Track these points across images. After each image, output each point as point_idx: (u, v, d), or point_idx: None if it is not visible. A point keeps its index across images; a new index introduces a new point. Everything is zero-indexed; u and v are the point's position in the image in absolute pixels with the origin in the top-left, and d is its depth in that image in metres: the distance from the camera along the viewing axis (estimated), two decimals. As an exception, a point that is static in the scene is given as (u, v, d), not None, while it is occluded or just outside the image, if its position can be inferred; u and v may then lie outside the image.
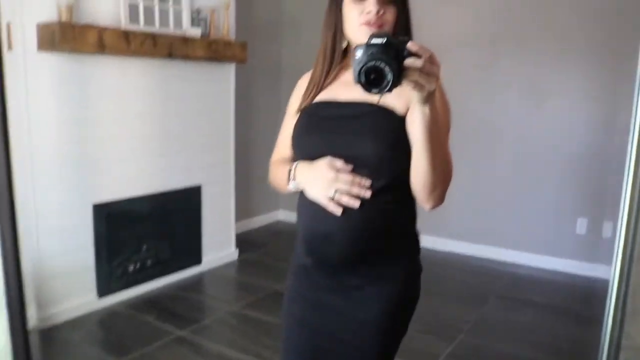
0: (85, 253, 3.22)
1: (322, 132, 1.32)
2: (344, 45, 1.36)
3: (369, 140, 1.24)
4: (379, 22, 1.25)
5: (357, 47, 1.05)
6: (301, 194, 1.35)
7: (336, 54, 1.36)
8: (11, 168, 0.78)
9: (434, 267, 4.31)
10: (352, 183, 1.23)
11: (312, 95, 1.38)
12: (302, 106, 1.39)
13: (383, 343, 1.35)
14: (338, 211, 1.24)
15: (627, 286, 1.01)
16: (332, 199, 1.24)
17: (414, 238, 1.41)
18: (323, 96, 1.37)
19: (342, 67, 1.39)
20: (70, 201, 3.11)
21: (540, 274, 4.22)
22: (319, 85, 1.38)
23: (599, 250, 4.12)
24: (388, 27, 1.27)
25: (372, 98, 1.22)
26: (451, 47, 4.42)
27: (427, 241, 4.56)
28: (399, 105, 1.25)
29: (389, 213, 1.30)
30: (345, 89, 1.32)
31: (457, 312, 3.48)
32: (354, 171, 1.24)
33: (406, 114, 1.25)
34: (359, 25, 1.27)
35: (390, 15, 1.27)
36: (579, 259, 4.19)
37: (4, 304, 0.82)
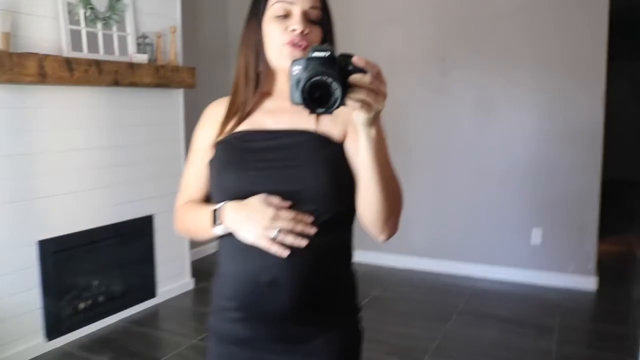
0: (32, 293, 3.04)
1: (250, 166, 1.15)
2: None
3: (308, 172, 1.12)
4: (303, 43, 1.14)
5: (294, 61, 0.95)
6: (225, 240, 1.18)
7: (260, 77, 1.22)
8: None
9: (395, 285, 4.30)
10: (295, 220, 1.08)
11: (233, 125, 1.22)
12: (221, 138, 1.22)
13: None
14: (284, 253, 1.08)
15: None
16: (275, 239, 1.08)
17: (354, 277, 1.27)
18: (246, 126, 1.21)
19: (263, 93, 1.24)
20: (12, 239, 2.93)
21: (500, 286, 4.25)
22: (242, 113, 1.22)
23: (553, 259, 4.19)
24: None
25: (304, 125, 1.15)
26: (401, 64, 4.47)
27: (386, 259, 4.61)
28: (336, 131, 1.16)
29: (335, 251, 1.19)
30: (272, 116, 1.21)
31: (421, 332, 3.45)
32: (295, 208, 1.10)
33: (344, 140, 1.15)
34: (282, 45, 1.15)
35: (315, 36, 1.17)
36: (535, 268, 4.25)
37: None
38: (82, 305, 3.33)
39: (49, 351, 3.11)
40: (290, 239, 1.08)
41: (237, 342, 1.19)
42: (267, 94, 1.24)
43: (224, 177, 1.17)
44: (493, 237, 4.38)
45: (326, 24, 1.19)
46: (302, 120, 1.14)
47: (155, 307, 3.79)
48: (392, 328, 3.49)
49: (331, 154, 1.13)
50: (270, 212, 1.08)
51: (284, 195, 1.10)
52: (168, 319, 3.74)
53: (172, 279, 3.99)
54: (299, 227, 1.08)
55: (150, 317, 3.67)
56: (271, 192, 1.10)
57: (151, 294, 3.81)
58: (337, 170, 1.13)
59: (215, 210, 1.16)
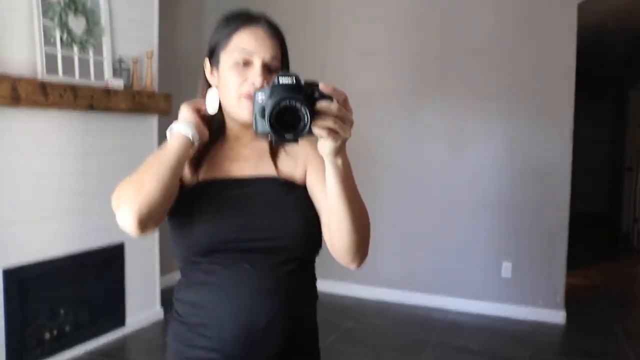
0: (-5, 323, 2.93)
1: (225, 216, 1.12)
2: (214, 110, 1.19)
3: (283, 216, 1.12)
4: None
5: (257, 91, 0.95)
6: (203, 274, 1.13)
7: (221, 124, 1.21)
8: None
9: (366, 317, 4.28)
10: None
11: (199, 172, 1.18)
12: (188, 185, 1.18)
13: None
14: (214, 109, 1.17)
15: None
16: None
17: (316, 320, 1.26)
18: (212, 174, 1.18)
19: (220, 141, 1.22)
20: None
21: (471, 318, 4.27)
22: (202, 159, 1.19)
23: (523, 292, 4.24)
24: None
25: (267, 171, 1.15)
26: (374, 98, 4.52)
27: (357, 290, 4.59)
28: (297, 173, 1.17)
29: (307, 289, 1.21)
30: (234, 164, 1.18)
31: (394, 364, 3.44)
32: (274, 253, 1.10)
33: (305, 179, 1.16)
34: (239, 98, 1.12)
35: None
36: (506, 302, 4.28)
37: None
38: (47, 336, 3.20)
39: (11, 384, 2.99)
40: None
41: None
42: (223, 139, 1.22)
43: (194, 229, 1.11)
44: (464, 269, 4.41)
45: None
46: (264, 165, 1.16)
47: (124, 337, 3.68)
48: (365, 361, 3.47)
49: (298, 198, 1.14)
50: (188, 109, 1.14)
51: (265, 242, 1.10)
52: (136, 350, 3.63)
53: (142, 308, 3.89)
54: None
55: (118, 348, 3.55)
56: (244, 241, 1.09)
57: (120, 323, 3.70)
58: (304, 213, 1.13)
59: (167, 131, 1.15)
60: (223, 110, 1.19)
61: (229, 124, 1.20)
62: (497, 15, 4.25)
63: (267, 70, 1.12)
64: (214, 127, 1.20)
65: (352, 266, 1.11)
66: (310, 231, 1.13)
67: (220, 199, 1.13)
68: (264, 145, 1.19)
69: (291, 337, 1.12)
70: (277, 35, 1.17)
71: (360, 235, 1.05)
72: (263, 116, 0.89)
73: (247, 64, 1.12)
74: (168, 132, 1.14)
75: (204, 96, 1.20)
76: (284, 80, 0.91)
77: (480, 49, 4.28)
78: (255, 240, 1.10)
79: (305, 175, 1.16)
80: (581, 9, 4.02)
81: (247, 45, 1.13)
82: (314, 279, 1.23)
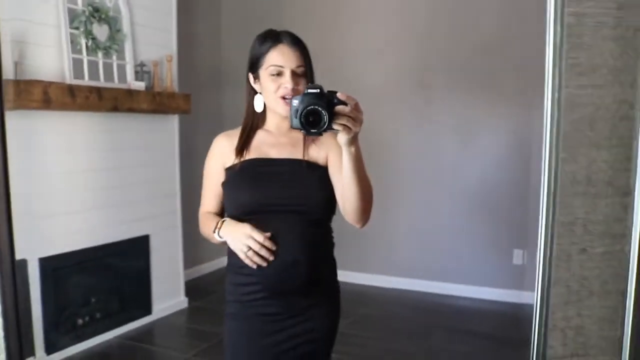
0: (33, 308, 3.17)
1: (262, 186, 1.53)
2: (260, 109, 1.61)
3: (305, 191, 1.53)
4: (293, 94, 1.49)
5: (292, 97, 1.33)
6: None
7: (260, 117, 1.64)
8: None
9: (380, 304, 4.45)
10: (262, 244, 1.47)
11: (244, 153, 1.59)
12: (234, 164, 1.58)
13: (329, 349, 1.66)
14: (253, 265, 1.49)
15: (547, 306, 1.19)
16: (245, 254, 1.49)
17: (335, 262, 1.68)
18: (254, 155, 1.59)
19: (264, 129, 1.64)
20: (17, 255, 3.07)
21: (482, 304, 4.41)
22: (249, 145, 1.60)
23: (534, 278, 4.34)
24: None
25: (298, 155, 1.57)
26: (386, 93, 4.68)
27: (372, 280, 4.77)
28: (320, 158, 1.58)
29: (325, 239, 1.63)
30: (273, 148, 1.60)
31: (405, 347, 3.60)
32: (298, 215, 1.51)
33: (326, 164, 1.57)
34: (276, 98, 1.54)
35: (302, 85, 1.53)
36: (518, 288, 4.40)
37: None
38: (80, 322, 3.45)
39: (48, 365, 3.24)
40: (257, 259, 1.48)
41: (259, 317, 1.57)
42: (267, 129, 1.63)
43: (240, 195, 1.55)
44: (476, 257, 4.54)
45: (309, 74, 1.57)
46: (295, 151, 1.58)
47: (151, 324, 3.92)
48: (377, 344, 3.64)
49: (320, 176, 1.56)
50: (245, 236, 1.48)
51: (289, 208, 1.51)
52: (162, 335, 3.86)
53: (167, 297, 4.13)
54: (264, 251, 1.48)
55: (145, 334, 3.79)
56: (279, 205, 1.51)
57: (147, 311, 3.94)
58: (324, 187, 1.55)
59: (217, 222, 1.56)
60: (266, 108, 1.61)
61: (271, 117, 1.62)
62: (508, 9, 4.34)
63: (295, 75, 1.53)
64: (257, 121, 1.63)
65: (358, 225, 1.53)
66: (328, 200, 1.55)
67: (261, 173, 1.55)
68: (298, 135, 1.58)
69: (313, 270, 1.53)
70: (299, 47, 1.56)
71: (365, 202, 1.46)
72: (296, 116, 1.27)
73: (279, 74, 1.53)
74: (218, 235, 1.57)
75: (250, 98, 1.63)
76: (311, 90, 1.28)
77: (490, 44, 4.40)
78: (285, 205, 1.51)
79: (327, 159, 1.57)
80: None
81: (277, 62, 1.53)
82: (330, 233, 1.65)
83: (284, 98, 1.52)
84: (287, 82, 1.52)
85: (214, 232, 1.55)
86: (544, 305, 1.21)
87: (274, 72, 1.53)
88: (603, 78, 1.13)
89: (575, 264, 1.19)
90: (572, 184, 1.15)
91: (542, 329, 1.21)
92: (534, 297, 1.23)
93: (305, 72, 1.55)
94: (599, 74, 1.13)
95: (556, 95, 1.14)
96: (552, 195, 1.17)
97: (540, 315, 1.22)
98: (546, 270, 1.19)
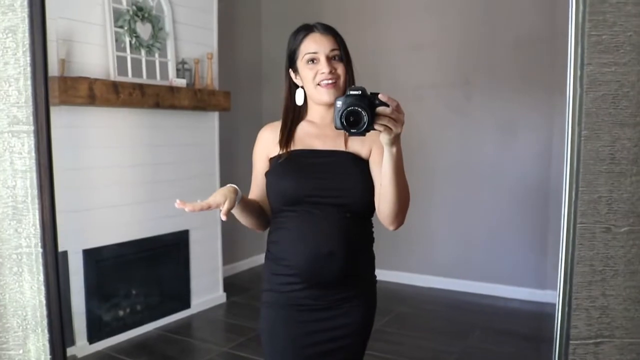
0: (77, 298, 3.27)
1: (306, 176, 1.52)
2: (300, 102, 1.61)
3: (348, 183, 1.51)
4: (334, 78, 1.53)
5: (337, 98, 1.31)
6: (285, 228, 1.55)
7: (302, 109, 1.64)
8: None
9: (418, 303, 4.42)
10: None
11: (289, 145, 1.59)
12: (279, 154, 1.58)
13: (364, 344, 1.64)
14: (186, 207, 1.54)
15: (570, 285, 1.18)
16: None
17: (374, 256, 1.65)
18: (299, 146, 1.59)
19: (308, 120, 1.63)
20: (61, 246, 3.17)
21: (520, 304, 4.33)
22: (293, 136, 1.60)
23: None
24: (342, 79, 1.55)
25: (341, 147, 1.55)
26: (426, 89, 4.64)
27: (410, 278, 4.74)
28: (364, 151, 1.56)
29: (364, 233, 1.60)
30: (318, 139, 1.59)
31: (441, 346, 3.57)
32: (339, 206, 1.50)
33: (369, 158, 1.55)
34: (315, 86, 1.54)
35: (340, 69, 1.54)
36: (555, 289, 4.30)
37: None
38: (121, 313, 3.54)
39: (91, 354, 3.33)
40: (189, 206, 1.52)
41: (295, 306, 1.57)
42: (311, 121, 1.63)
43: (282, 185, 1.54)
44: (513, 257, 4.47)
45: (345, 58, 1.57)
46: (340, 142, 1.57)
47: (189, 318, 3.99)
48: (413, 342, 3.62)
49: (362, 170, 1.54)
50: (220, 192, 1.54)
51: (332, 196, 1.50)
52: (201, 329, 3.93)
53: (206, 292, 4.20)
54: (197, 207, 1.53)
55: (184, 327, 3.86)
56: (320, 196, 1.50)
57: (186, 305, 4.01)
58: (366, 180, 1.53)
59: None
60: (309, 100, 1.60)
61: (314, 108, 1.61)
62: (549, 3, 4.27)
63: (330, 60, 1.53)
64: (297, 115, 1.63)
65: (391, 227, 1.51)
66: (370, 194, 1.52)
67: (304, 164, 1.55)
68: None
69: (349, 264, 1.51)
70: (331, 32, 1.56)
71: (400, 205, 1.45)
72: (338, 116, 1.28)
73: (315, 60, 1.53)
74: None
75: (288, 94, 1.64)
76: (354, 92, 1.28)
77: (528, 39, 4.33)
78: (326, 197, 1.50)
79: (370, 154, 1.55)
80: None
81: (310, 49, 1.54)
82: (370, 227, 1.62)
83: (323, 86, 1.53)
84: (323, 67, 1.52)
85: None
86: (567, 284, 1.19)
87: (310, 59, 1.54)
88: (627, 55, 1.09)
89: (599, 243, 1.15)
90: (596, 162, 1.13)
91: (566, 307, 1.20)
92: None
93: (340, 57, 1.55)
94: (623, 51, 1.09)
95: (578, 72, 1.12)
96: (575, 173, 1.15)
97: (564, 295, 1.20)
98: (569, 249, 1.17)
